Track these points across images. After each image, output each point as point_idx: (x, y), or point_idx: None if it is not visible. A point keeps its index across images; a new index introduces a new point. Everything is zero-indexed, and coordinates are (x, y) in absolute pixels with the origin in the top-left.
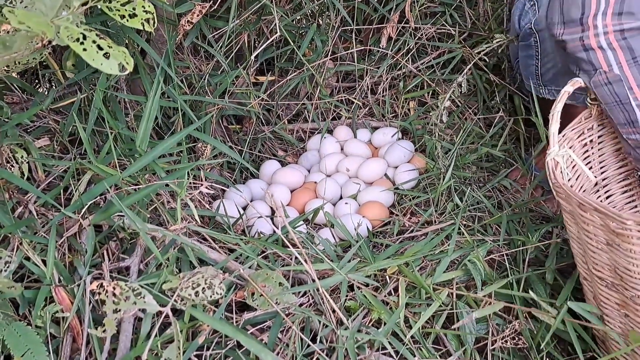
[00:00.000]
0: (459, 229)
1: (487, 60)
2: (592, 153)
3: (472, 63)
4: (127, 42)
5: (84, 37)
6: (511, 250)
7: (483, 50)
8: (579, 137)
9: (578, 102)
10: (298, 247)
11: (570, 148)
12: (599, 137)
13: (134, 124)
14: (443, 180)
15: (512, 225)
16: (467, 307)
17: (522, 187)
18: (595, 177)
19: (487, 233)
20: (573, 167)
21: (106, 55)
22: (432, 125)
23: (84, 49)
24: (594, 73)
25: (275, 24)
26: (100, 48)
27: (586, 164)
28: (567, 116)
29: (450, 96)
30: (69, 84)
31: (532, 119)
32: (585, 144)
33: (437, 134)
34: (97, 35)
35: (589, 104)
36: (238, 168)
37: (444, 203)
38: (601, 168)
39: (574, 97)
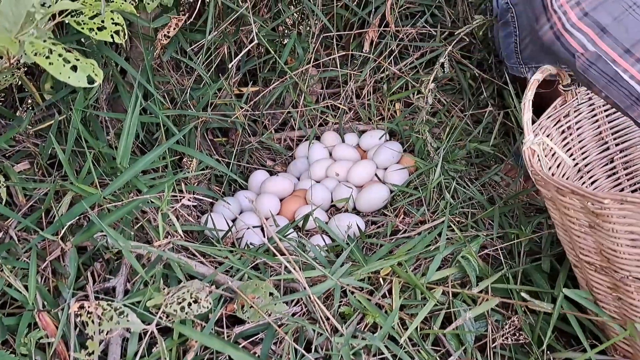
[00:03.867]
0: (450, 225)
1: (472, 56)
2: (572, 139)
3: (453, 44)
4: (105, 60)
5: (50, 52)
6: (505, 244)
7: (463, 31)
8: (555, 124)
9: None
10: (287, 255)
11: (547, 136)
12: (576, 122)
13: (116, 142)
14: (433, 177)
15: (504, 219)
16: (464, 305)
17: (512, 180)
18: (577, 163)
19: (480, 228)
20: (553, 155)
21: (74, 68)
22: (419, 123)
23: (50, 63)
24: (574, 60)
25: (254, 33)
26: (67, 61)
27: (566, 151)
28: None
29: (434, 92)
30: (48, 105)
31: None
32: (564, 131)
33: (423, 118)
34: (64, 48)
35: (562, 91)
36: (226, 180)
37: (436, 201)
38: (583, 154)
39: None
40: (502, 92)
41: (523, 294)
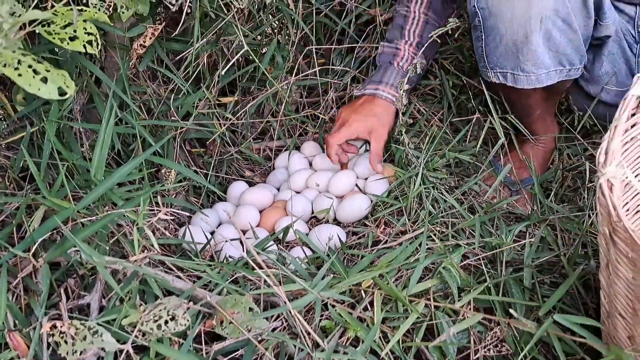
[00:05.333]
0: (430, 235)
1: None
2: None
3: (429, 41)
4: (79, 70)
5: (19, 62)
6: (487, 254)
7: (436, 33)
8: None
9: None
10: (267, 269)
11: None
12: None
13: (91, 153)
14: (414, 187)
15: (485, 228)
16: (446, 317)
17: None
18: None
19: (461, 237)
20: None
21: (44, 80)
22: (397, 126)
23: (19, 75)
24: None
25: (238, 42)
26: (37, 73)
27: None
28: (551, 94)
29: (415, 101)
30: (21, 117)
31: (509, 117)
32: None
33: (400, 120)
34: (33, 59)
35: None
36: (204, 192)
37: (417, 211)
38: None
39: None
40: (485, 99)
41: (511, 310)
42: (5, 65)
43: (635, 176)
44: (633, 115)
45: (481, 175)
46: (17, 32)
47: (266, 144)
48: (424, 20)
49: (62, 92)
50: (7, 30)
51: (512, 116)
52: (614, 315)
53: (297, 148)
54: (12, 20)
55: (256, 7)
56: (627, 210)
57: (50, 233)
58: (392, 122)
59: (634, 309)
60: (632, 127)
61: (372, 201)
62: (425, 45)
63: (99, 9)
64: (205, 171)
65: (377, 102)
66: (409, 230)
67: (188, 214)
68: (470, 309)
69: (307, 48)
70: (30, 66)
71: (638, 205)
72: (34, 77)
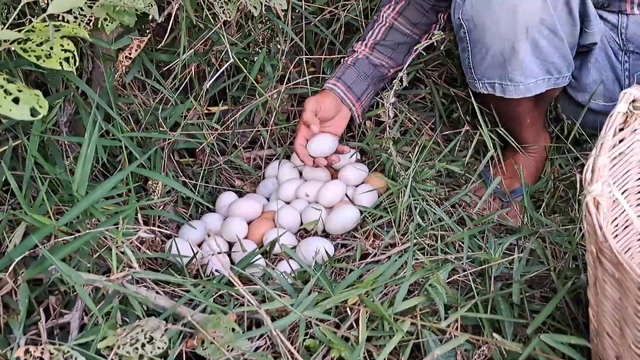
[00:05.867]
0: (416, 252)
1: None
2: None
3: (416, 52)
4: (65, 82)
5: None
6: (475, 269)
7: (422, 46)
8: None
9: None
10: (253, 285)
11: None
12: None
13: (75, 167)
14: (403, 199)
15: (475, 241)
16: (433, 335)
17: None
18: None
19: (450, 251)
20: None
21: (16, 100)
22: (385, 138)
23: None
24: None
25: (226, 52)
26: (8, 93)
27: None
28: (539, 103)
29: (406, 111)
30: (4, 129)
31: (498, 130)
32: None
33: (387, 132)
34: (5, 79)
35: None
36: (193, 203)
37: (406, 223)
38: None
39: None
40: (474, 109)
41: (495, 335)
42: None
43: (625, 191)
44: (621, 129)
45: (471, 187)
46: None
47: (256, 152)
48: (389, 25)
49: (34, 113)
50: None
51: (502, 129)
52: (602, 334)
53: (288, 157)
54: None
55: (244, 18)
56: (616, 225)
57: (31, 249)
58: (337, 108)
59: (621, 330)
60: (619, 142)
61: (361, 213)
62: (386, 46)
63: (79, 24)
64: (194, 181)
65: (325, 92)
66: (398, 243)
67: (177, 224)
68: (457, 327)
69: (297, 57)
70: (1, 86)
71: (627, 221)
72: (5, 97)
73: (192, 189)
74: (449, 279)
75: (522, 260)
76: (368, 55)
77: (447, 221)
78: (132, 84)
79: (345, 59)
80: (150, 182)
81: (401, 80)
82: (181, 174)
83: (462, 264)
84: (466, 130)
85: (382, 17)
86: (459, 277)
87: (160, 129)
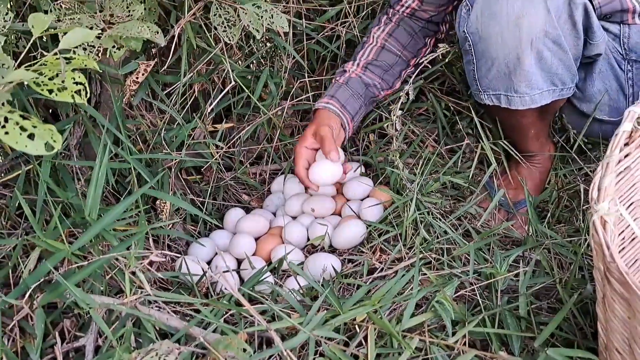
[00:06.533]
0: (423, 267)
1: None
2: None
3: (418, 69)
4: (74, 106)
5: (6, 120)
6: (482, 283)
7: (427, 59)
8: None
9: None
10: (261, 304)
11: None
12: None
13: (87, 189)
14: (408, 213)
15: (480, 254)
16: (441, 351)
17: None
18: None
19: (457, 265)
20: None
21: (31, 136)
22: (392, 152)
23: (6, 132)
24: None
25: (228, 72)
26: (24, 129)
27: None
28: (542, 115)
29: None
30: (17, 155)
31: (501, 142)
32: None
33: (394, 146)
34: (20, 116)
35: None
36: (201, 220)
37: (412, 237)
38: None
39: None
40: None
41: (501, 353)
42: None
43: (630, 204)
44: (626, 144)
45: (476, 200)
46: (5, 85)
47: (262, 168)
48: (380, 45)
49: (49, 148)
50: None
51: (506, 141)
52: (612, 349)
53: (293, 172)
54: None
55: (246, 38)
56: (623, 238)
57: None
58: (332, 124)
59: (630, 348)
60: (625, 156)
61: (367, 227)
62: (379, 66)
63: (88, 55)
64: (202, 198)
65: (319, 111)
66: (405, 258)
67: (186, 241)
68: (465, 342)
69: (299, 81)
70: (17, 123)
71: (633, 233)
72: (20, 134)
73: (200, 206)
74: (456, 294)
75: (528, 274)
76: (361, 74)
77: (453, 235)
78: (140, 104)
79: (336, 79)
80: (158, 202)
81: (407, 94)
82: (189, 192)
83: (469, 278)
84: (469, 143)
85: (373, 37)
86: (465, 291)
87: (165, 151)
